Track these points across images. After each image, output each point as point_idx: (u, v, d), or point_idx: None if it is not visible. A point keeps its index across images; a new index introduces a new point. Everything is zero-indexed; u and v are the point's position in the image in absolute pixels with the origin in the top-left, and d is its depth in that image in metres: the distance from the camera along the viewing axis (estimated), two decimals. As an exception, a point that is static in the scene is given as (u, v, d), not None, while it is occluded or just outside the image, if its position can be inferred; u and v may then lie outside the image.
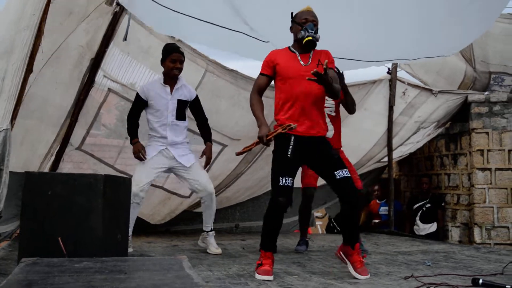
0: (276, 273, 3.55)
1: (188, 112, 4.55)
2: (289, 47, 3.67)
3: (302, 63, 3.55)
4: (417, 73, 7.41)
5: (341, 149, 4.81)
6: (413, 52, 5.03)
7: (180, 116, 4.43)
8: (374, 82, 6.53)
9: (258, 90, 3.71)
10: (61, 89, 4.68)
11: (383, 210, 7.52)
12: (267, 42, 4.48)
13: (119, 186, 2.81)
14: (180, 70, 4.39)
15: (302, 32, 3.51)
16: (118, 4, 4.36)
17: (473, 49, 7.33)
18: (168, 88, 4.39)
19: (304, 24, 3.53)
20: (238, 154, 3.76)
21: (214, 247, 4.58)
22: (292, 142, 3.48)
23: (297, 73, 3.52)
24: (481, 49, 7.33)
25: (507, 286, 3.02)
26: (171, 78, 4.38)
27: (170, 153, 4.40)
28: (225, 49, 4.74)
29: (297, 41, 3.60)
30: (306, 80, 3.38)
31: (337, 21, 4.21)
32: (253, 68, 4.68)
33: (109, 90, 5.15)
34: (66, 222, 2.54)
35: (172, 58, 4.32)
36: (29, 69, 3.14)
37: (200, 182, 4.43)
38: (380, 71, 6.70)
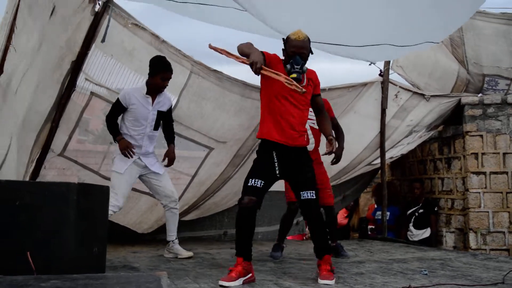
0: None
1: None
2: (283, 61, 3.59)
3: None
4: (410, 75, 7.25)
5: (321, 160, 4.67)
6: (400, 39, 4.90)
7: (157, 126, 4.55)
8: (365, 84, 6.36)
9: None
10: (39, 92, 4.48)
11: (378, 214, 7.32)
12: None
13: (95, 195, 2.60)
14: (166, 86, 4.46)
15: (288, 67, 3.48)
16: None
17: (465, 51, 7.19)
18: (150, 99, 4.45)
19: (292, 56, 3.48)
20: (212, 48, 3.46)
21: (184, 252, 4.67)
22: (275, 155, 3.54)
23: (278, 91, 3.51)
24: (473, 51, 7.18)
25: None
26: (155, 91, 4.43)
27: (143, 162, 4.51)
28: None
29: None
30: (287, 100, 3.48)
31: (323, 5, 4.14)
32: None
33: (92, 94, 4.96)
34: (35, 235, 2.32)
35: (164, 76, 4.35)
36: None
37: (169, 189, 4.61)
38: (371, 73, 6.55)
